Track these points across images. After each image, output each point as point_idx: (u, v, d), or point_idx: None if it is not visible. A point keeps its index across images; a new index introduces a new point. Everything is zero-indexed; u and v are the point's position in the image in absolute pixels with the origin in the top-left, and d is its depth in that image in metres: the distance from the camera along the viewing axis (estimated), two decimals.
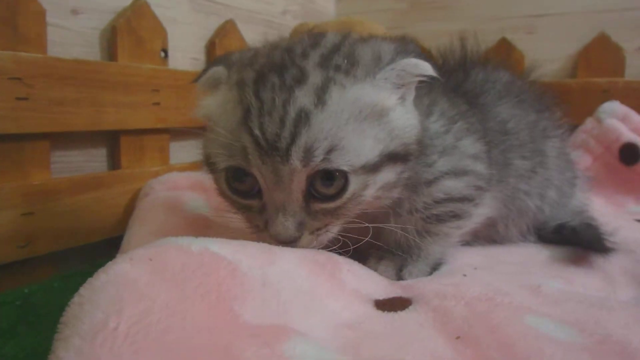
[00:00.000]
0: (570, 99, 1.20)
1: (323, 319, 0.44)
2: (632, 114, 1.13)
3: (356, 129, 0.49)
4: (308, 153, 0.47)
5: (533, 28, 1.29)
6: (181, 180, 0.89)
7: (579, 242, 0.69)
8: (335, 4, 1.46)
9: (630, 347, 0.37)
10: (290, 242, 0.51)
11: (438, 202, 0.58)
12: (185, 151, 1.01)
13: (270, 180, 0.49)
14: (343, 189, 0.49)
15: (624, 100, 1.15)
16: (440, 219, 0.59)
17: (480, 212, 0.63)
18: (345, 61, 0.51)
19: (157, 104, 0.91)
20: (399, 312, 0.48)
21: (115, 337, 0.28)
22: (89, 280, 0.36)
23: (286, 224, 0.50)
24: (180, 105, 0.96)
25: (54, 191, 0.77)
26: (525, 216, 0.73)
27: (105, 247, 0.84)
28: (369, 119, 0.50)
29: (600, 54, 1.22)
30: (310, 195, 0.50)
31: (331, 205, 0.50)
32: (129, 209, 0.86)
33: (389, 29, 1.39)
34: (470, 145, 0.61)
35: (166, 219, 0.76)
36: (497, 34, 1.30)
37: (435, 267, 0.62)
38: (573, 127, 1.17)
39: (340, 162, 0.48)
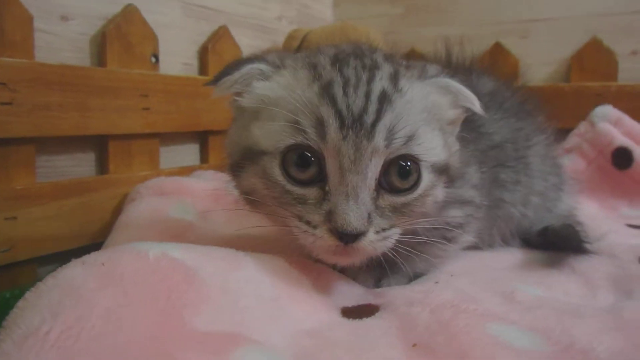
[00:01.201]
0: (563, 103, 1.21)
1: (284, 326, 0.44)
2: (624, 117, 1.12)
3: (428, 126, 0.49)
4: (391, 134, 0.46)
5: (527, 32, 1.29)
6: (168, 185, 0.89)
7: (559, 243, 0.68)
8: (332, 9, 1.46)
9: (592, 355, 0.36)
10: (356, 235, 0.45)
11: (437, 228, 0.56)
12: (176, 156, 1.01)
13: (347, 159, 0.45)
14: (415, 183, 0.48)
15: (617, 104, 1.14)
16: (430, 243, 0.56)
17: (467, 239, 0.64)
18: (404, 62, 0.53)
19: (147, 108, 0.92)
20: (364, 319, 0.47)
21: (44, 341, 0.28)
22: (37, 284, 0.36)
23: (358, 212, 0.45)
24: (170, 109, 0.96)
25: (38, 195, 0.77)
26: (509, 223, 0.73)
27: (93, 251, 0.84)
28: (437, 122, 0.51)
29: (593, 58, 1.23)
30: (381, 186, 0.48)
31: (401, 199, 0.48)
32: (116, 214, 0.85)
33: (385, 34, 1.38)
34: (474, 173, 0.61)
35: (149, 224, 0.76)
36: (492, 38, 1.30)
37: (413, 279, 0.60)
38: (567, 131, 1.17)
39: (419, 151, 0.47)
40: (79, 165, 0.88)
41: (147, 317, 0.35)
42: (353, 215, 0.44)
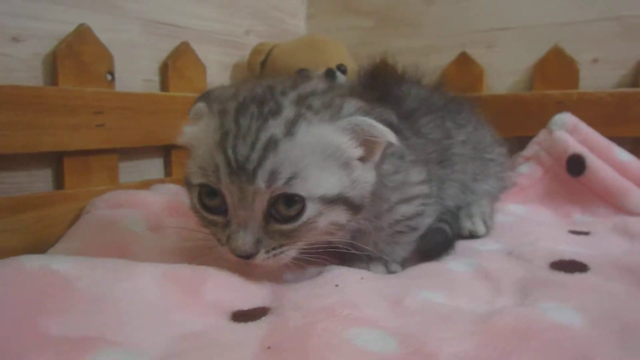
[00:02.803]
0: (526, 111, 1.22)
1: (161, 330, 0.44)
2: (581, 125, 1.13)
3: (319, 163, 0.55)
4: (272, 176, 0.53)
5: (493, 42, 1.30)
6: (123, 198, 0.90)
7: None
8: (305, 22, 1.48)
9: (433, 358, 0.35)
10: (247, 256, 0.55)
11: (397, 221, 0.70)
12: (138, 170, 1.03)
13: (236, 198, 0.54)
14: (299, 213, 0.55)
15: (578, 112, 1.15)
16: (402, 233, 0.72)
17: (428, 222, 0.76)
18: (317, 103, 0.58)
19: (101, 125, 0.94)
20: (248, 323, 0.48)
21: None
22: None
23: (245, 240, 0.55)
24: (127, 125, 0.98)
25: None
26: None
27: None
28: (333, 159, 0.56)
29: (555, 67, 1.23)
30: (271, 215, 0.55)
31: (288, 227, 0.55)
32: None
33: (356, 46, 1.40)
34: (417, 174, 0.71)
35: (94, 236, 0.78)
36: (459, 48, 1.31)
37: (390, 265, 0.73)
38: (530, 139, 1.18)
39: (300, 188, 0.54)
40: (36, 181, 0.90)
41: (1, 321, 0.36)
42: (241, 241, 0.54)
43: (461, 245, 0.83)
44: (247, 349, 0.40)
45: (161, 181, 1.06)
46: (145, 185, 1.02)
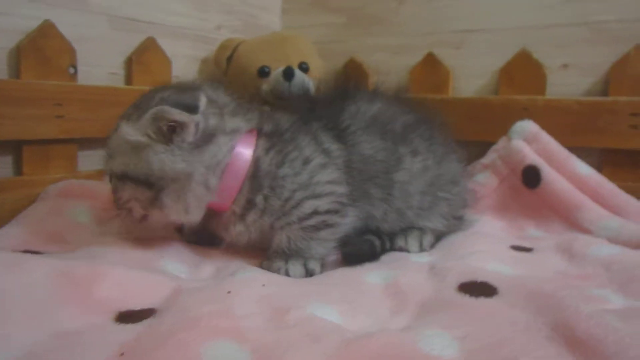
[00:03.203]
0: (491, 116, 1.20)
1: (40, 326, 0.49)
2: (542, 134, 1.10)
3: (120, 150, 0.73)
4: (107, 153, 0.76)
5: (461, 43, 1.28)
6: (75, 188, 0.96)
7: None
8: (280, 18, 1.51)
9: None
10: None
11: (308, 215, 0.76)
12: (95, 159, 1.09)
13: None
14: (115, 187, 0.75)
15: (544, 119, 1.12)
16: (316, 228, 0.77)
17: (348, 222, 0.79)
18: (131, 110, 0.75)
19: (61, 116, 1.00)
20: (128, 325, 0.52)
21: None
22: None
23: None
24: (87, 117, 1.04)
25: None
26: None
27: None
28: (126, 146, 0.72)
29: (522, 71, 1.20)
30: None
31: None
32: None
33: (329, 43, 1.42)
34: (326, 175, 0.77)
35: (36, 223, 0.84)
36: (428, 48, 1.30)
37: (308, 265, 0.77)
38: (493, 145, 1.17)
39: (107, 165, 0.75)
40: None
41: None
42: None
43: (394, 253, 0.85)
44: (101, 354, 0.44)
45: None
46: (104, 173, 1.08)
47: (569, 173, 1.05)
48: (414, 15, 1.34)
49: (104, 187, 0.99)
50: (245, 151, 0.75)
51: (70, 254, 0.71)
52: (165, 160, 0.69)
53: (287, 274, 0.74)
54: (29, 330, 0.48)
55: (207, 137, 0.71)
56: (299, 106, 0.89)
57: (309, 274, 0.76)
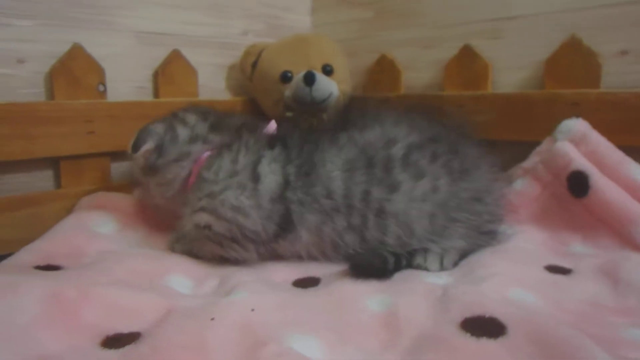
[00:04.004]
0: (536, 113, 1.06)
1: (20, 350, 0.53)
2: (592, 134, 0.94)
3: None
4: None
5: (499, 33, 1.16)
6: (104, 200, 1.03)
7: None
8: (310, 17, 1.49)
9: None
10: None
11: (201, 227, 0.81)
12: (127, 171, 1.16)
13: None
14: None
15: (596, 115, 0.97)
16: (205, 237, 0.82)
17: (243, 255, 0.82)
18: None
19: (92, 132, 1.07)
20: (110, 350, 0.55)
21: None
22: None
23: None
24: (117, 131, 1.10)
25: None
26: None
27: None
28: None
29: (571, 61, 1.04)
30: None
31: None
32: None
33: (357, 39, 1.39)
34: (235, 199, 0.79)
35: (60, 236, 0.90)
36: (462, 40, 1.20)
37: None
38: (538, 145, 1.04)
39: None
40: (38, 181, 1.06)
41: None
42: None
43: (411, 271, 0.79)
44: None
45: None
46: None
47: (622, 180, 0.90)
48: (445, 4, 1.25)
49: (130, 199, 1.06)
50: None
51: (76, 270, 0.76)
52: (133, 171, 0.94)
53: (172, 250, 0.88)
54: (10, 355, 0.53)
55: (153, 168, 0.89)
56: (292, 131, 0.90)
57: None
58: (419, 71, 1.30)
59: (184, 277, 0.81)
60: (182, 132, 0.89)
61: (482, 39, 1.19)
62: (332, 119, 0.96)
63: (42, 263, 0.81)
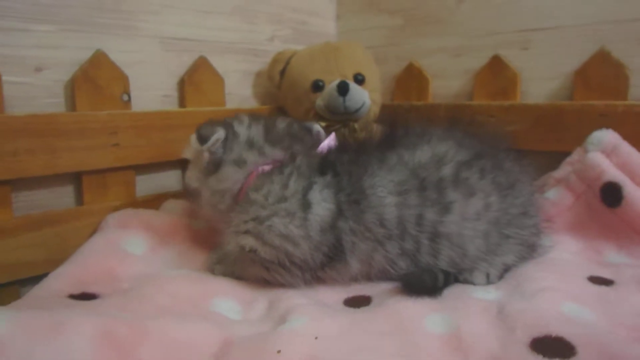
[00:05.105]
0: (564, 124, 1.08)
1: None
2: (622, 145, 0.96)
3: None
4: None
5: (528, 43, 1.16)
6: (132, 219, 0.96)
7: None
8: (335, 22, 1.44)
9: None
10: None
11: (244, 249, 0.77)
12: (153, 182, 1.10)
13: None
14: None
15: (624, 127, 0.99)
16: (250, 260, 0.78)
17: (290, 281, 0.78)
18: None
19: (116, 144, 1.00)
20: None
21: None
22: None
23: None
24: (142, 143, 1.04)
25: (13, 228, 0.89)
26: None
27: None
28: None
29: (600, 73, 1.06)
30: None
31: None
32: None
33: (385, 47, 1.35)
34: (284, 227, 0.74)
35: (89, 259, 0.83)
36: (491, 50, 1.20)
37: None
38: (567, 155, 1.05)
39: None
40: (59, 197, 0.99)
41: None
42: None
43: (457, 286, 0.78)
44: None
45: (175, 195, 1.11)
46: (161, 198, 1.08)
47: None
48: (475, 13, 1.23)
49: (160, 216, 0.99)
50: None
51: (116, 299, 0.70)
52: (191, 175, 0.88)
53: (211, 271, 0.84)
54: None
55: (217, 164, 0.83)
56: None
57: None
58: (448, 80, 1.28)
59: (230, 301, 0.76)
60: (241, 131, 0.85)
61: (511, 49, 1.19)
62: (377, 135, 0.89)
63: (76, 291, 0.75)
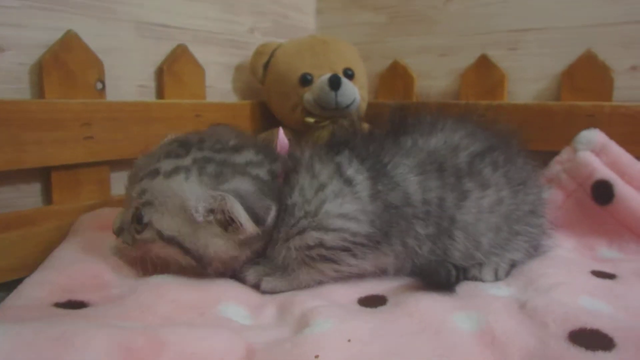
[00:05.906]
0: (551, 124, 1.09)
1: None
2: (611, 145, 0.99)
3: (171, 208, 0.68)
4: (141, 193, 0.69)
5: (516, 44, 1.17)
6: (109, 218, 0.86)
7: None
8: (315, 18, 1.40)
9: None
10: (115, 233, 0.74)
11: (311, 247, 0.70)
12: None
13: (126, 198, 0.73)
14: (141, 230, 0.69)
15: (610, 127, 1.02)
16: (314, 259, 0.71)
17: (359, 264, 0.73)
18: (209, 169, 0.69)
19: (90, 137, 0.90)
20: None
21: None
22: None
23: (115, 221, 0.73)
24: (118, 137, 0.94)
25: None
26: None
27: None
28: (184, 212, 0.67)
29: (586, 74, 1.09)
30: (133, 219, 0.70)
31: (136, 234, 0.70)
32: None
33: (368, 44, 1.32)
34: (338, 207, 0.70)
35: (71, 266, 0.73)
36: (479, 49, 1.19)
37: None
38: (555, 154, 1.06)
39: (147, 213, 0.68)
40: (25, 197, 0.88)
41: None
42: (114, 221, 0.74)
43: (468, 283, 0.76)
44: None
45: None
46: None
47: None
48: (463, 12, 1.22)
49: None
50: None
51: (114, 307, 0.61)
52: (220, 245, 0.69)
53: (257, 287, 0.73)
54: None
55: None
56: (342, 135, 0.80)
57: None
58: (434, 79, 1.27)
59: (236, 306, 0.69)
60: (253, 185, 0.72)
61: (499, 49, 1.19)
62: (383, 125, 0.85)
63: (62, 299, 0.65)
